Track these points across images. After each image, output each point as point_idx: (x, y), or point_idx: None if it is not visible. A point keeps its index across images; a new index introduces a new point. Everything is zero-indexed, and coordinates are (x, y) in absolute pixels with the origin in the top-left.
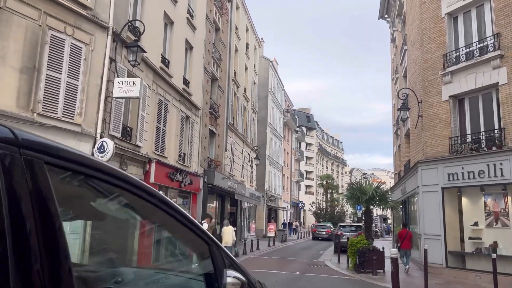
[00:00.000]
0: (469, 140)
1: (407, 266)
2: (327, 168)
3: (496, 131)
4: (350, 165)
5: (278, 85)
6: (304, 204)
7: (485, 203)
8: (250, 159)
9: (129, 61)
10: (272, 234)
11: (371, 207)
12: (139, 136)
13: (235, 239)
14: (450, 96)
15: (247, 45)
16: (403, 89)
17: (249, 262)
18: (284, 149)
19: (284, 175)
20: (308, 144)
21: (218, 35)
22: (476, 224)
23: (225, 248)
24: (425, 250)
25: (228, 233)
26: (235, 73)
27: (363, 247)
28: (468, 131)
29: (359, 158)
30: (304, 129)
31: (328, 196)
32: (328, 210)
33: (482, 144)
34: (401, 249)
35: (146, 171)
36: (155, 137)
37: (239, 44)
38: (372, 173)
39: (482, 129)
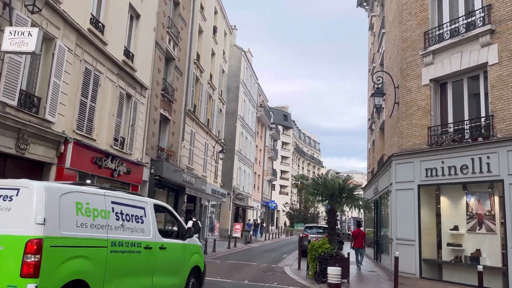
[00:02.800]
0: (451, 130)
1: (360, 265)
2: (303, 168)
3: (482, 119)
4: (327, 167)
5: (252, 77)
6: (276, 204)
7: (467, 204)
8: (215, 152)
9: (25, 6)
10: (238, 235)
11: (338, 205)
12: (49, 108)
13: None
14: (430, 80)
15: (214, 29)
16: (378, 72)
17: None
18: (257, 146)
19: (255, 173)
20: (284, 143)
21: (178, 10)
22: (456, 228)
23: None
24: (396, 258)
25: None
26: (198, 56)
27: (325, 252)
28: (450, 119)
29: (337, 162)
30: (280, 127)
31: (302, 196)
32: (302, 210)
33: (466, 134)
34: (354, 248)
35: (60, 153)
36: (78, 114)
37: (204, 25)
38: (348, 175)
39: (466, 117)
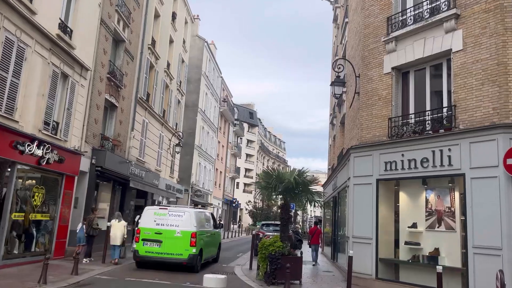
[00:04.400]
0: (412, 121)
1: (313, 263)
2: (267, 167)
3: (445, 109)
4: (292, 167)
5: (215, 70)
6: (239, 202)
7: (426, 200)
8: (171, 146)
9: None
10: None
11: (293, 199)
12: None
13: (126, 237)
14: (392, 68)
15: (174, 15)
16: (339, 60)
17: (129, 267)
18: (219, 142)
19: (217, 169)
20: (249, 141)
21: None
22: (414, 225)
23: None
24: (350, 258)
25: (117, 230)
26: (154, 41)
27: (276, 251)
28: (412, 110)
29: (303, 162)
30: (245, 125)
31: (262, 193)
32: (265, 209)
33: (427, 126)
34: (311, 245)
35: None
36: None
37: (161, 9)
38: (313, 175)
39: (428, 107)
